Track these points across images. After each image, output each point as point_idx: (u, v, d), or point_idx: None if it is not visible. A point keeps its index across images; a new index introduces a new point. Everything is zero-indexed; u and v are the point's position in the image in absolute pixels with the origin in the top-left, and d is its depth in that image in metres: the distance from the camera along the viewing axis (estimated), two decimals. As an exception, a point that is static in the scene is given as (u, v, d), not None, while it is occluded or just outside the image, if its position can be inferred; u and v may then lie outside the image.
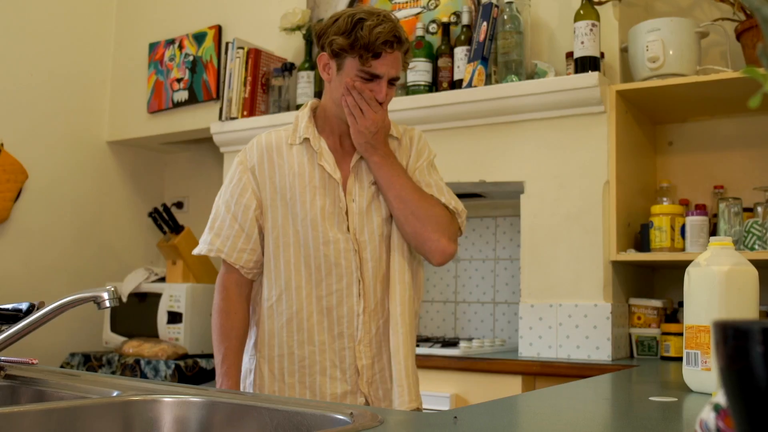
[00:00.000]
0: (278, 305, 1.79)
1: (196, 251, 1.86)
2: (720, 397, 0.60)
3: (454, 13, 2.91)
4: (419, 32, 2.90)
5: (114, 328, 3.61)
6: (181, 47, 3.77)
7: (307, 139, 1.81)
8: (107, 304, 1.38)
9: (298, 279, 1.78)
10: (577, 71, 2.48)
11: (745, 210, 2.41)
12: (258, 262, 1.82)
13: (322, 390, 1.76)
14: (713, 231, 2.45)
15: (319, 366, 1.77)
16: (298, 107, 3.14)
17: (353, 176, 1.81)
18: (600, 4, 2.54)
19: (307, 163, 1.80)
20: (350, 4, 3.18)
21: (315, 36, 1.82)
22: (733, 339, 0.48)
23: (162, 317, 3.44)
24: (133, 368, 3.26)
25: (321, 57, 1.78)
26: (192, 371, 3.28)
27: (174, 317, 3.42)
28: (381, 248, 1.80)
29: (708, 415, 0.60)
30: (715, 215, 2.46)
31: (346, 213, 1.78)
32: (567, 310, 2.44)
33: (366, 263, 1.79)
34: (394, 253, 1.82)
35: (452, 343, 2.68)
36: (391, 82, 1.75)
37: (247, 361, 1.85)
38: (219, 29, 3.66)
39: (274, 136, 1.85)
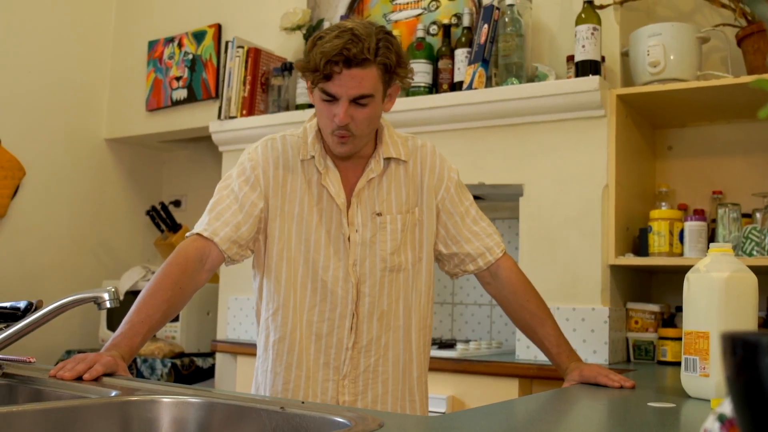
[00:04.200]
0: (274, 320, 1.72)
1: (188, 233, 1.73)
2: (725, 407, 0.60)
3: (455, 15, 2.91)
4: (420, 34, 2.89)
5: (110, 326, 3.60)
6: (180, 45, 3.76)
7: (313, 157, 1.72)
8: (108, 304, 1.38)
9: (296, 298, 1.71)
10: (577, 75, 2.48)
11: (744, 216, 2.41)
12: (243, 257, 1.73)
13: None
14: (712, 236, 2.45)
15: (302, 393, 1.69)
16: (297, 107, 3.13)
17: (356, 204, 1.72)
18: (601, 8, 2.54)
19: (315, 182, 1.72)
20: (350, 5, 3.18)
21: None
22: (741, 350, 0.48)
23: (159, 316, 3.42)
24: (130, 367, 3.24)
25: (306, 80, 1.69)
26: (188, 370, 3.28)
27: (170, 316, 3.41)
28: (382, 284, 1.72)
29: (712, 425, 0.60)
30: (714, 220, 2.47)
31: (348, 240, 1.71)
32: (564, 314, 2.44)
33: (363, 297, 1.71)
34: (421, 298, 1.77)
35: (449, 344, 2.68)
36: (357, 101, 1.60)
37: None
38: (219, 28, 3.65)
39: (290, 143, 1.75)
